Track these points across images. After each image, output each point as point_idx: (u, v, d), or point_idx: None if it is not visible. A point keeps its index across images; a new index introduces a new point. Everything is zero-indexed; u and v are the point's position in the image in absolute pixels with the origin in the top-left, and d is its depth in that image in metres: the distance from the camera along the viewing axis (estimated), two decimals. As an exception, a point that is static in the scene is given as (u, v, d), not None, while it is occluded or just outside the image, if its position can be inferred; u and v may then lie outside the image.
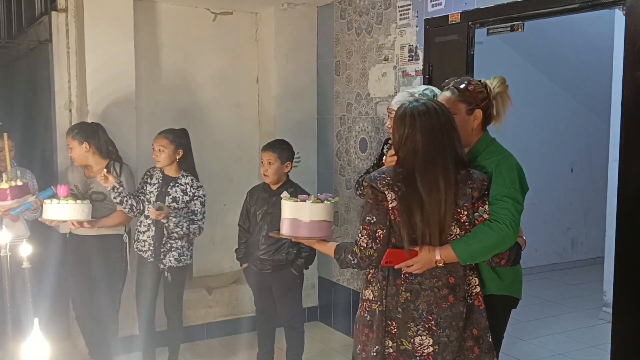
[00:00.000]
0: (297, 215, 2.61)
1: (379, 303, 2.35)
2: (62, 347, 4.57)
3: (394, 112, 3.17)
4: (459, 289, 2.36)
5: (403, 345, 2.32)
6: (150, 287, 4.06)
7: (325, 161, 5.22)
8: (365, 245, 2.32)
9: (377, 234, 2.31)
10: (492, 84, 2.65)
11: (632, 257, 3.00)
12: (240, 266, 4.15)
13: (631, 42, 2.97)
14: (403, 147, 2.35)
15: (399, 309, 2.33)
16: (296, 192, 3.84)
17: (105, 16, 4.34)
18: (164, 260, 3.96)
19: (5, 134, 3.53)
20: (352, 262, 2.38)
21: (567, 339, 4.92)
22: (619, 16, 4.64)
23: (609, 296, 5.14)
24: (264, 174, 3.88)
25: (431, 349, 2.31)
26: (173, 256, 3.97)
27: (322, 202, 2.63)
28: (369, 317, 2.39)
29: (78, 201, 3.65)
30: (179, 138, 4.01)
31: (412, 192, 2.28)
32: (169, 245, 3.96)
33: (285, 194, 2.77)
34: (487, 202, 2.39)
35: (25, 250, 2.58)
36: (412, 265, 2.33)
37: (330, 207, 2.65)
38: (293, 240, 2.82)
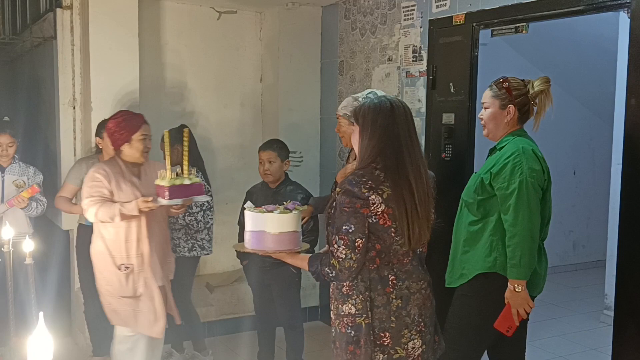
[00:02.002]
0: (263, 227, 2.40)
1: (364, 316, 2.22)
2: (64, 343, 4.57)
3: (342, 119, 3.27)
4: (431, 284, 2.38)
5: (397, 353, 2.24)
6: None
7: (327, 161, 5.22)
8: (344, 256, 2.17)
9: (356, 244, 2.16)
10: (535, 83, 2.83)
11: (634, 260, 3.00)
12: (241, 263, 4.16)
13: (635, 44, 2.97)
14: (375, 146, 2.21)
15: (392, 318, 2.22)
16: (295, 190, 3.88)
17: (110, 13, 4.36)
18: None
19: (186, 130, 3.37)
20: (330, 275, 2.22)
21: (568, 342, 4.92)
22: (623, 19, 4.64)
23: (610, 299, 5.14)
24: (265, 173, 3.90)
25: (420, 350, 2.28)
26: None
27: (290, 211, 2.43)
28: (353, 332, 2.24)
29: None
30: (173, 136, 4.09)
31: (401, 190, 2.17)
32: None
33: (248, 204, 2.57)
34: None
35: (28, 246, 2.59)
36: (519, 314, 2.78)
37: (298, 216, 2.47)
38: (260, 254, 2.62)
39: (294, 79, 5.13)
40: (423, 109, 4.15)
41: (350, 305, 2.25)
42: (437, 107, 4.04)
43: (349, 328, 2.25)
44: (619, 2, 3.05)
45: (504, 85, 2.84)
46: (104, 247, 3.33)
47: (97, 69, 4.36)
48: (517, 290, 2.75)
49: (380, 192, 2.16)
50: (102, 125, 3.93)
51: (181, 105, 5.03)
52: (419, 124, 4.13)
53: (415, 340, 2.27)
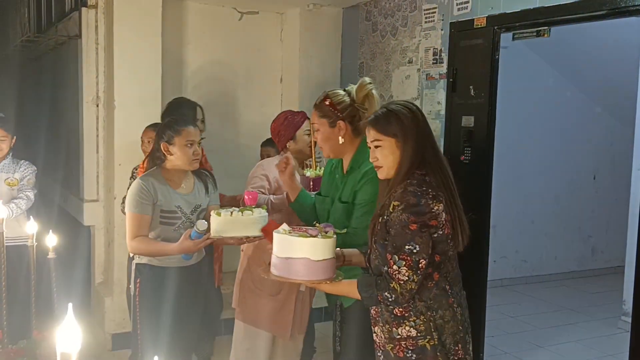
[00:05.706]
0: (304, 253, 2.10)
1: (428, 337, 2.10)
2: (82, 337, 4.62)
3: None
4: None
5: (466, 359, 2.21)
6: None
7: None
8: (406, 278, 2.02)
9: (419, 264, 2.02)
10: (356, 88, 2.72)
11: (653, 266, 2.99)
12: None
13: (658, 50, 2.96)
14: (414, 153, 2.14)
15: (460, 327, 2.16)
16: None
17: (134, 13, 4.41)
18: None
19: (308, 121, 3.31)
20: (390, 299, 2.06)
21: (585, 348, 4.89)
22: (646, 24, 4.61)
23: (628, 305, 5.09)
24: None
25: (469, 346, 2.24)
26: None
27: (333, 235, 2.16)
28: (415, 356, 2.11)
29: (260, 210, 2.76)
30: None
31: (449, 191, 2.14)
32: None
33: (284, 226, 2.25)
34: None
35: (51, 241, 2.64)
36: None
37: (335, 240, 2.20)
38: (303, 284, 2.32)
39: (314, 80, 5.15)
40: (443, 112, 4.15)
41: (408, 328, 2.12)
42: (456, 110, 4.04)
43: (409, 352, 2.12)
44: (642, 7, 3.04)
45: (327, 103, 2.70)
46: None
47: (121, 67, 4.41)
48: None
49: (440, 200, 2.08)
50: (168, 127, 2.99)
51: (202, 105, 5.06)
52: (439, 126, 4.14)
53: (471, 341, 2.24)
